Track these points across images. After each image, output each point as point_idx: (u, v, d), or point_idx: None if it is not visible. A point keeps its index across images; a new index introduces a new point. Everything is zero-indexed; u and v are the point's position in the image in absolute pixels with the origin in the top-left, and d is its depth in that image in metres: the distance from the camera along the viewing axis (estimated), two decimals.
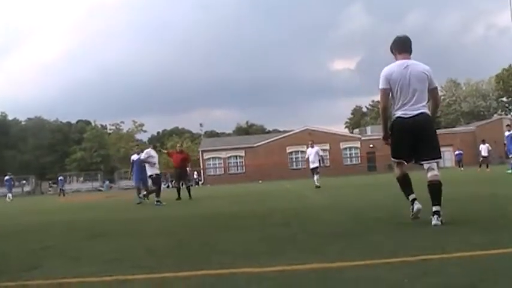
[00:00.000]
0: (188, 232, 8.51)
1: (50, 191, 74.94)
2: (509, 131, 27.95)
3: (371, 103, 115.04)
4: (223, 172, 72.99)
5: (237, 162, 75.94)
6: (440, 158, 7.13)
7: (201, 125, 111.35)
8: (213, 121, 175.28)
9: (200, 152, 76.06)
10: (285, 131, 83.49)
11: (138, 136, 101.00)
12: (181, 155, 23.53)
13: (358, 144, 74.91)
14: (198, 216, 11.89)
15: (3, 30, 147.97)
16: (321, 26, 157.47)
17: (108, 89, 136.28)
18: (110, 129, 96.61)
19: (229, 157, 75.63)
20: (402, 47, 7.59)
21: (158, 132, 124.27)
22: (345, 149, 74.75)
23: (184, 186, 23.07)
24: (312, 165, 26.47)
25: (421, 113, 7.12)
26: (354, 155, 75.40)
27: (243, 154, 74.76)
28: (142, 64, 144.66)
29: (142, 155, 20.95)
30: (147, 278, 4.47)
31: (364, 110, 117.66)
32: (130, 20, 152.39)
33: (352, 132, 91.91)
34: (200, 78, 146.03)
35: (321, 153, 27.42)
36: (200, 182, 69.53)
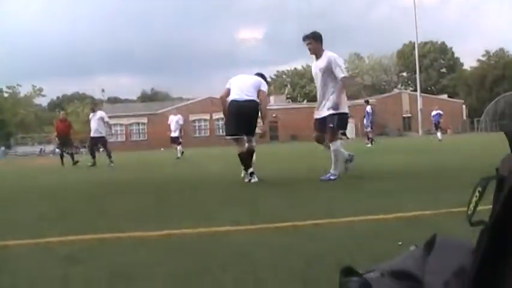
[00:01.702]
0: (78, 198, 8.27)
1: None
2: (367, 106, 28.94)
3: (276, 73, 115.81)
4: (124, 139, 71.85)
5: (139, 129, 74.96)
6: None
7: (103, 90, 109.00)
8: (117, 87, 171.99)
9: None
10: (189, 99, 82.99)
11: (37, 101, 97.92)
12: (63, 123, 24.51)
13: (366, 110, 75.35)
14: (91, 182, 11.59)
15: None
16: None
17: (5, 51, 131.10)
18: (6, 93, 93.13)
19: (131, 124, 74.53)
20: None
21: (58, 97, 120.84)
22: None
23: (67, 152, 23.94)
24: (172, 134, 25.67)
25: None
26: (257, 124, 75.82)
27: (145, 121, 73.84)
28: (42, 25, 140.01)
29: None
30: (31, 243, 4.24)
31: (269, 79, 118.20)
32: None
33: None
34: (105, 42, 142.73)
35: (181, 122, 26.11)
36: (101, 149, 68.14)
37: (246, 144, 9.57)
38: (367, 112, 28.87)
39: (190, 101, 77.42)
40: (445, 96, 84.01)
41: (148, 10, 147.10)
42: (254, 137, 9.78)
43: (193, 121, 73.37)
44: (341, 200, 6.17)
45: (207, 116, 73.47)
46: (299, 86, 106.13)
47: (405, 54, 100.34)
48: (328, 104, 8.64)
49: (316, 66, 8.89)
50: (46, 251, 3.91)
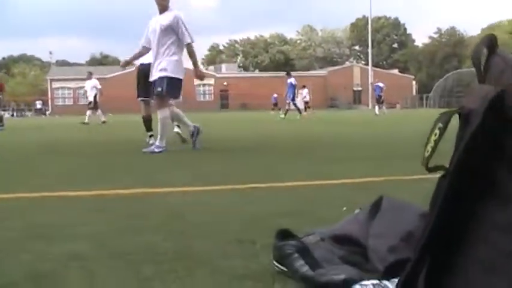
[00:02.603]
0: (13, 158, 7.98)
1: None
2: (289, 78, 28.74)
3: (228, 41, 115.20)
4: (72, 103, 70.58)
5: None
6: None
7: (50, 52, 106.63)
8: (65, 50, 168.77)
9: (48, 81, 73.03)
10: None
11: None
12: None
13: (212, 82, 74.83)
14: (31, 143, 11.27)
15: None
16: None
17: None
18: None
19: (80, 87, 73.32)
20: None
21: (4, 58, 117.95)
22: (199, 85, 74.48)
23: None
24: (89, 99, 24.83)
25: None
26: (207, 91, 75.35)
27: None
28: None
29: None
30: None
31: (221, 48, 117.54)
32: None
33: (207, 69, 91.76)
34: (54, 3, 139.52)
35: (99, 86, 25.16)
36: (47, 112, 67.07)
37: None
38: (292, 84, 28.25)
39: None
40: (396, 71, 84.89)
41: None
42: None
43: None
44: (285, 166, 6.07)
45: None
46: (251, 55, 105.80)
47: (358, 28, 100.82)
48: (162, 65, 7.80)
49: (157, 21, 7.85)
50: None
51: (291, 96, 27.97)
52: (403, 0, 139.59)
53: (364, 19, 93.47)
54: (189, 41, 7.77)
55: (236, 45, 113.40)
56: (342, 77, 76.66)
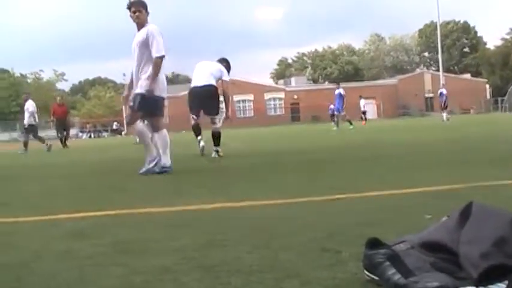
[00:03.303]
0: (92, 176, 8.17)
1: None
2: (337, 89, 28.07)
3: (296, 54, 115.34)
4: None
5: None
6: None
7: (124, 74, 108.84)
8: None
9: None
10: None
11: (59, 85, 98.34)
12: (61, 107, 25.65)
13: (282, 95, 74.99)
14: (106, 161, 11.53)
15: None
16: None
17: (29, 36, 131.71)
18: (30, 78, 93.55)
19: None
20: None
21: (80, 82, 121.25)
22: (269, 99, 74.80)
23: (59, 136, 25.26)
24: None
25: None
26: (278, 105, 75.52)
27: (166, 104, 73.80)
28: (64, 10, 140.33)
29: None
30: (39, 220, 4.08)
31: (290, 61, 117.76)
32: None
33: (276, 83, 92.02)
34: (124, 26, 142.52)
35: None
36: (123, 132, 68.44)
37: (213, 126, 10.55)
38: (340, 94, 27.66)
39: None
40: (468, 76, 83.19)
41: None
42: (218, 119, 10.70)
43: None
44: (362, 175, 6.02)
45: None
46: (320, 67, 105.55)
47: (427, 34, 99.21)
48: (140, 83, 7.57)
49: (135, 39, 7.74)
50: (54, 226, 3.75)
51: (340, 106, 27.56)
52: (472, 3, 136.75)
53: (433, 24, 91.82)
54: (156, 54, 7.43)
55: (304, 57, 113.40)
56: (412, 84, 75.59)
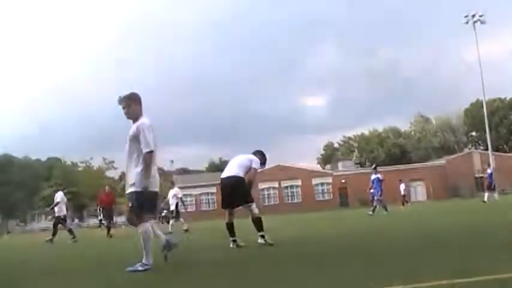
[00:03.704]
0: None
1: (15, 230, 73.47)
2: (375, 173, 27.64)
3: (342, 139, 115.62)
4: (195, 209, 72.25)
5: (208, 199, 75.47)
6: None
7: (172, 161, 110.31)
8: (184, 157, 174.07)
9: None
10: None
11: (109, 173, 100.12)
12: (108, 196, 26.63)
13: (330, 180, 74.88)
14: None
15: None
16: (293, 62, 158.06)
17: (79, 126, 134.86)
18: (80, 166, 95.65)
19: (201, 194, 75.15)
20: None
21: None
22: (317, 184, 74.70)
23: (105, 225, 26.64)
24: (171, 208, 25.48)
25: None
26: (326, 190, 75.30)
27: (214, 191, 74.29)
28: (111, 99, 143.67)
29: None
30: None
31: (336, 145, 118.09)
32: (99, 58, 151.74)
33: (324, 168, 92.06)
34: (171, 114, 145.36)
35: (179, 195, 25.72)
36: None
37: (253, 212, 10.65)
38: (379, 179, 27.27)
39: (258, 170, 77.55)
40: None
41: (212, 80, 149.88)
42: (253, 205, 10.66)
43: (262, 189, 73.38)
44: (422, 262, 5.90)
45: (276, 184, 73.50)
46: (366, 150, 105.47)
47: (473, 113, 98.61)
48: (131, 179, 7.62)
49: (128, 133, 7.79)
50: None
51: (379, 191, 27.14)
52: None
53: (478, 103, 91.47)
54: (145, 149, 7.46)
55: (350, 141, 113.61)
56: (461, 164, 74.81)
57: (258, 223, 10.64)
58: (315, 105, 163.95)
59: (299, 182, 73.75)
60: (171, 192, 25.62)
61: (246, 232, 12.00)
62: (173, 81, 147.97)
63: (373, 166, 32.47)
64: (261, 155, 11.20)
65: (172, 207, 25.26)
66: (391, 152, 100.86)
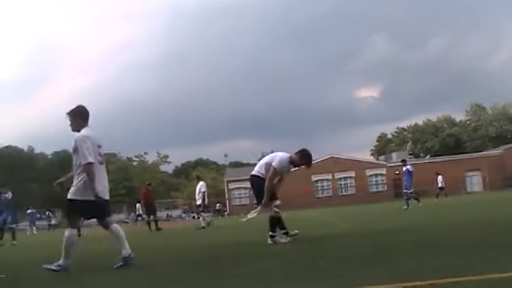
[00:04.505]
0: (203, 260, 8.34)
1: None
2: (405, 166, 26.95)
3: (396, 130, 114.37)
4: (248, 202, 72.44)
5: None
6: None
7: (225, 155, 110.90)
8: (238, 151, 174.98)
9: (225, 182, 75.85)
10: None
11: (163, 168, 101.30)
12: (148, 192, 27.30)
13: (384, 171, 74.14)
14: (213, 245, 11.76)
15: (37, 63, 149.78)
16: (345, 54, 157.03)
17: (133, 120, 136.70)
18: (135, 162, 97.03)
19: None
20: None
21: (183, 164, 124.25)
22: (371, 176, 74.11)
23: (151, 218, 26.55)
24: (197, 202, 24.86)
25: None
26: (380, 181, 74.61)
27: None
28: (165, 94, 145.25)
29: None
30: None
31: (389, 136, 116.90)
32: (153, 49, 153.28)
33: (377, 159, 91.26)
34: (224, 108, 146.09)
35: (203, 189, 24.50)
36: (225, 213, 69.46)
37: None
38: (409, 171, 26.63)
39: (282, 168, 77.32)
40: None
41: (266, 74, 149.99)
42: (272, 203, 10.38)
43: (316, 181, 73.24)
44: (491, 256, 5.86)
45: (330, 176, 73.22)
46: (421, 141, 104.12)
47: None
48: (72, 188, 7.88)
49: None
50: None
51: (408, 183, 26.49)
52: None
53: None
54: (83, 161, 7.69)
55: (404, 132, 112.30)
56: None
57: (270, 222, 10.37)
58: (368, 96, 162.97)
59: (353, 174, 73.25)
60: (197, 187, 24.94)
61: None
62: (224, 76, 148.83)
63: (400, 160, 32.14)
64: (301, 155, 10.61)
65: (199, 202, 24.55)
66: (446, 141, 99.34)
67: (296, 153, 10.58)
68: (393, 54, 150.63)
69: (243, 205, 68.35)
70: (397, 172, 71.99)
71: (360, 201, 58.56)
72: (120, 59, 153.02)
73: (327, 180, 73.86)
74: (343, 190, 73.97)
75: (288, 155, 10.60)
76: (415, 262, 5.75)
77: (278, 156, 10.56)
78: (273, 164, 10.34)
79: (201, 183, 24.83)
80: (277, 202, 10.49)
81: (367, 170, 74.02)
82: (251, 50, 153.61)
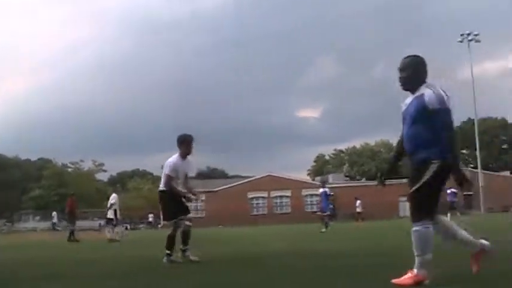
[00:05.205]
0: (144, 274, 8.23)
1: (3, 229, 72.91)
2: (323, 187, 27.44)
3: (334, 151, 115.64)
4: None
5: (197, 206, 75.23)
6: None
7: (162, 166, 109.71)
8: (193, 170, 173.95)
9: (158, 194, 75.13)
10: (247, 177, 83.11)
11: (99, 176, 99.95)
12: (73, 201, 27.42)
13: (319, 192, 74.67)
14: (139, 257, 11.62)
15: None
16: (291, 74, 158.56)
17: (70, 128, 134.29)
18: (70, 168, 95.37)
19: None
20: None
21: (118, 173, 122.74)
22: (307, 196, 74.64)
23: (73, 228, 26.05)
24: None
25: None
26: (315, 202, 75.03)
27: (203, 198, 74.23)
28: (107, 103, 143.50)
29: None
30: None
31: (327, 158, 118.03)
32: (93, 57, 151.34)
33: (313, 180, 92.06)
34: (165, 119, 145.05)
35: (113, 201, 24.27)
36: (159, 225, 68.78)
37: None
38: (326, 193, 27.01)
39: (248, 179, 77.67)
40: (507, 173, 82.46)
41: (206, 87, 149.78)
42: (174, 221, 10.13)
43: (251, 198, 73.39)
44: None
45: (266, 194, 73.49)
46: (357, 164, 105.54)
47: (464, 131, 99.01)
48: None
49: None
50: None
51: (325, 206, 26.75)
52: (509, 100, 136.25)
53: (470, 121, 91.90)
54: None
55: (342, 154, 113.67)
56: (451, 182, 74.82)
57: (167, 239, 10.00)
58: (309, 117, 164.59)
59: (289, 193, 73.74)
60: (110, 200, 24.62)
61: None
62: (164, 90, 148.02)
63: (320, 180, 32.50)
64: (179, 145, 10.33)
65: (110, 215, 24.19)
66: (383, 166, 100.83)
67: (178, 147, 10.26)
68: (339, 76, 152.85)
69: None
70: (332, 194, 72.86)
71: (295, 220, 58.84)
72: (64, 65, 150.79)
73: (263, 198, 74.10)
74: (279, 208, 74.29)
75: (176, 154, 10.24)
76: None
77: (167, 162, 10.23)
78: (165, 172, 10.13)
79: (112, 195, 24.75)
80: (175, 221, 10.05)
81: (303, 190, 74.56)
82: (194, 63, 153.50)
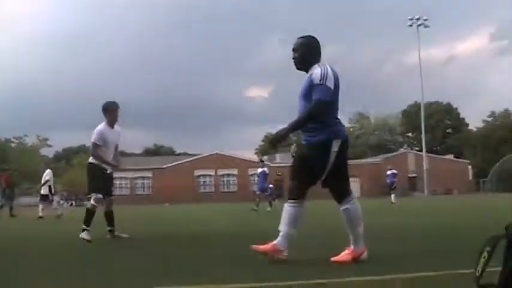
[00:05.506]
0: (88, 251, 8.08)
1: None
2: (261, 167, 27.07)
3: None
4: (129, 192, 71.37)
5: (143, 183, 74.78)
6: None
7: None
8: (123, 141, 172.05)
9: None
10: (194, 155, 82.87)
11: (43, 151, 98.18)
12: (10, 177, 27.76)
13: (258, 172, 74.98)
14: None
15: None
16: (240, 53, 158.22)
17: (14, 102, 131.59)
18: (13, 143, 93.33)
19: (136, 178, 74.31)
20: None
21: (64, 149, 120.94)
22: (253, 175, 74.82)
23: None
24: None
25: None
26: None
27: (150, 175, 73.79)
28: (50, 77, 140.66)
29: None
30: None
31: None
32: (41, 30, 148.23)
33: (261, 160, 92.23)
34: (114, 97, 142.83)
35: (47, 177, 23.41)
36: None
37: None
38: (265, 173, 26.75)
39: (195, 157, 77.46)
40: (450, 157, 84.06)
41: (157, 65, 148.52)
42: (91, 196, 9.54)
43: (198, 176, 73.27)
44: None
45: (212, 172, 73.45)
46: None
47: (410, 114, 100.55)
48: None
49: None
50: None
51: (263, 185, 26.51)
52: (455, 85, 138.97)
53: (416, 105, 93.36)
54: None
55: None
56: (396, 164, 75.68)
57: (86, 214, 9.35)
58: (258, 96, 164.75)
59: (235, 171, 73.87)
60: (44, 175, 23.73)
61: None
62: (113, 65, 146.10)
63: (259, 159, 32.21)
64: (104, 114, 9.93)
65: (43, 191, 23.26)
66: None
67: (104, 115, 9.86)
68: (288, 56, 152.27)
69: (124, 196, 67.14)
70: (279, 173, 73.19)
71: (241, 198, 58.95)
72: (13, 31, 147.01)
73: (210, 175, 74.06)
74: (226, 187, 74.40)
75: (103, 123, 9.81)
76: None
77: (94, 131, 9.75)
78: (92, 140, 9.69)
79: (47, 171, 23.77)
80: (99, 196, 9.41)
81: (249, 169, 74.73)
82: (145, 37, 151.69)
